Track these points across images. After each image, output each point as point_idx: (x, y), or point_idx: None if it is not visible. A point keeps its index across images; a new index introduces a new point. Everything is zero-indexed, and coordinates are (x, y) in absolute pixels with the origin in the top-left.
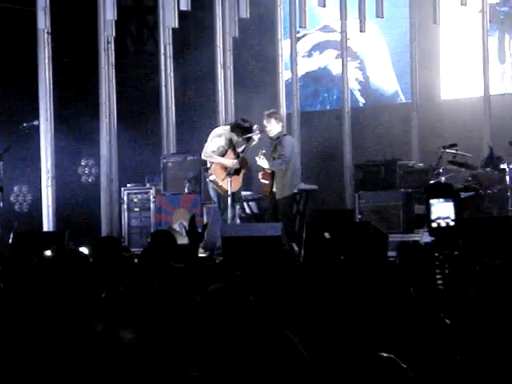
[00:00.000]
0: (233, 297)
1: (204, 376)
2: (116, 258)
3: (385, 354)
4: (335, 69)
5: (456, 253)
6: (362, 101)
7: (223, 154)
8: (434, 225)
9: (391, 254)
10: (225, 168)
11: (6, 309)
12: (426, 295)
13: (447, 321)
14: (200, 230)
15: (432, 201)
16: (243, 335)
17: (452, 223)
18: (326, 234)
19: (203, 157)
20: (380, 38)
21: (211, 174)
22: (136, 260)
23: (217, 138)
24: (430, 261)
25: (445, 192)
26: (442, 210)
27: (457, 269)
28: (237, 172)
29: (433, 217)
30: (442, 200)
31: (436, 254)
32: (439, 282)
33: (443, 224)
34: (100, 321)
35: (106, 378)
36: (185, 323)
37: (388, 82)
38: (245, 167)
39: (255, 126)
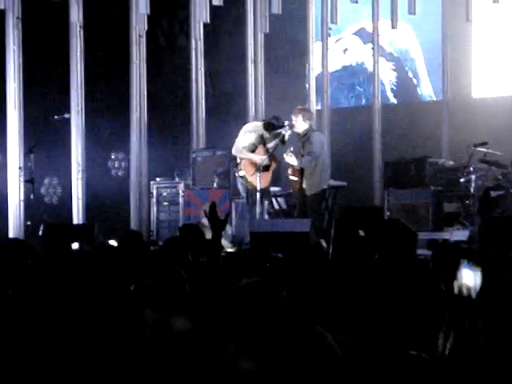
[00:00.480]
0: (266, 291)
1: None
2: (141, 252)
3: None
4: (366, 65)
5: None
6: (392, 98)
7: (253, 150)
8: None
9: (420, 251)
10: (254, 164)
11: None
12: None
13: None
14: (222, 218)
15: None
16: (277, 330)
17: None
18: (361, 232)
19: (234, 152)
20: (412, 34)
21: (240, 170)
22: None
23: (248, 134)
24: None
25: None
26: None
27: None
28: (266, 168)
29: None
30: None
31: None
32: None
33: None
34: (149, 308)
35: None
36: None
37: (419, 80)
38: (274, 164)
39: (286, 123)
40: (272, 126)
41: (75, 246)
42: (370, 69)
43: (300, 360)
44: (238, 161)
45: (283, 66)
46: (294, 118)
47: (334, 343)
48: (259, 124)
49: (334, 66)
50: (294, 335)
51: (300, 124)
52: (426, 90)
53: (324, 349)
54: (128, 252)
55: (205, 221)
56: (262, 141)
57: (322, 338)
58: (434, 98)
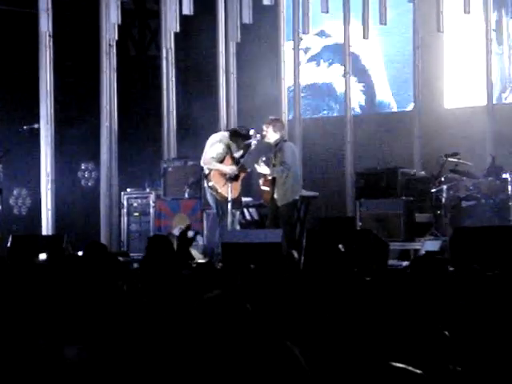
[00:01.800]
0: (229, 305)
1: None
2: (106, 263)
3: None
4: (336, 76)
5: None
6: (363, 108)
7: (221, 161)
8: None
9: (392, 262)
10: (224, 175)
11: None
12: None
13: (446, 332)
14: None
15: None
16: (241, 345)
17: None
18: (341, 246)
19: (202, 164)
20: (383, 44)
21: (210, 181)
22: (135, 265)
23: (216, 145)
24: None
25: None
26: None
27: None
28: (235, 178)
29: None
30: None
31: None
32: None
33: None
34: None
35: None
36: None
37: (390, 90)
38: (243, 173)
39: (252, 131)
40: (238, 134)
41: (43, 256)
42: (342, 80)
43: (265, 374)
44: (207, 172)
45: (255, 75)
46: (264, 128)
47: (300, 357)
48: (225, 134)
49: (304, 75)
50: (259, 349)
51: (271, 134)
52: (398, 101)
53: (290, 362)
54: (93, 263)
55: (175, 231)
56: (229, 151)
57: (288, 352)
58: (406, 109)
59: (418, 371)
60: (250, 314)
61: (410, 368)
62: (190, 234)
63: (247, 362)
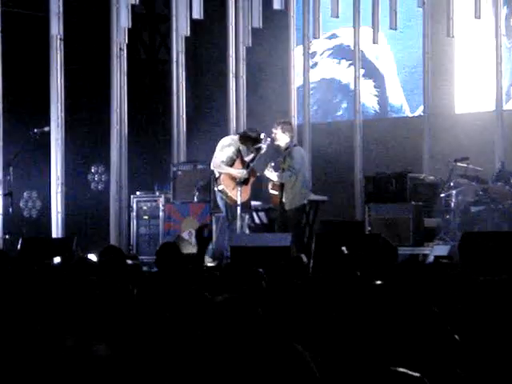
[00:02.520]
0: (241, 308)
1: None
2: (120, 267)
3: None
4: (347, 80)
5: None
6: (373, 113)
7: (231, 164)
8: None
9: None
10: (234, 178)
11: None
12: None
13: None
14: (206, 235)
15: None
16: (251, 348)
17: None
18: (344, 249)
19: (212, 167)
20: (393, 49)
21: (220, 184)
22: (144, 268)
23: (226, 148)
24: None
25: None
26: None
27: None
28: (245, 182)
29: None
30: None
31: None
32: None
33: None
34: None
35: None
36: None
37: (401, 95)
38: (253, 177)
39: (262, 135)
40: (248, 137)
41: (57, 259)
42: (352, 84)
43: (275, 378)
44: (217, 175)
45: (264, 79)
46: (274, 131)
47: (311, 361)
48: (235, 137)
49: (315, 80)
50: (269, 353)
51: (280, 137)
52: (408, 105)
53: (301, 366)
54: (108, 267)
55: (185, 235)
56: (240, 154)
57: (299, 356)
58: (415, 114)
59: (417, 374)
60: (261, 318)
61: (410, 372)
62: (205, 233)
63: (257, 365)
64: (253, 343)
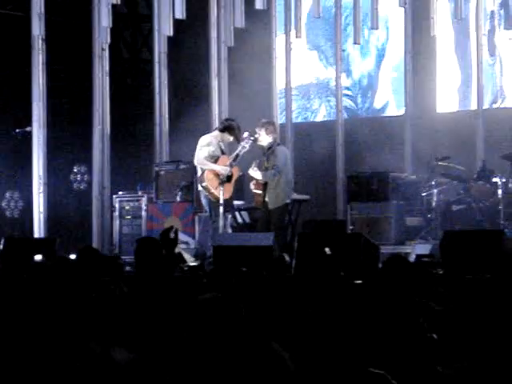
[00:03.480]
0: (224, 307)
1: None
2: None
3: (375, 370)
4: (328, 79)
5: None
6: (355, 112)
7: (215, 161)
8: None
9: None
10: (217, 175)
11: None
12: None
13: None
14: (172, 236)
15: None
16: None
17: None
18: (327, 250)
19: (196, 163)
20: (374, 49)
21: (203, 182)
22: (127, 268)
23: (205, 148)
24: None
25: None
26: None
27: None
28: (228, 179)
29: None
30: None
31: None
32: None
33: None
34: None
35: None
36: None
37: (382, 94)
38: (236, 174)
39: (246, 134)
40: (226, 126)
41: (38, 257)
42: (333, 83)
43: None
44: (200, 172)
45: (247, 79)
46: (257, 131)
47: (289, 361)
48: (214, 134)
49: (296, 80)
50: (249, 352)
51: (264, 137)
52: (389, 104)
53: (278, 365)
54: (85, 266)
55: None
56: (221, 150)
57: (277, 356)
58: (397, 113)
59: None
60: (243, 318)
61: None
62: (172, 234)
63: (235, 364)
64: (233, 342)
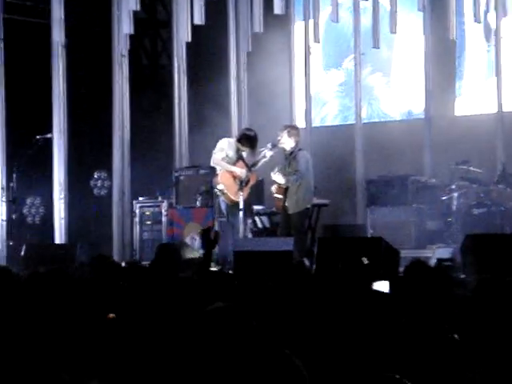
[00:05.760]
0: (233, 318)
1: None
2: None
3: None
4: (348, 83)
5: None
6: (374, 116)
7: (233, 165)
8: None
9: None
10: (233, 177)
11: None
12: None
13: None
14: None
15: None
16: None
17: None
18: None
19: (212, 164)
20: (393, 53)
21: (219, 183)
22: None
23: (223, 150)
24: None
25: None
26: None
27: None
28: (245, 184)
29: None
30: None
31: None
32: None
33: None
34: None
35: None
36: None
37: (402, 97)
38: (253, 180)
39: (269, 144)
40: (245, 136)
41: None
42: (352, 87)
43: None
44: (218, 172)
45: (266, 85)
46: (280, 134)
47: (302, 368)
48: (232, 140)
49: (316, 85)
50: (261, 361)
51: (286, 140)
52: (409, 108)
53: (292, 374)
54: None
55: (187, 240)
56: (240, 155)
57: (291, 364)
58: (416, 116)
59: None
60: (253, 329)
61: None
62: (212, 235)
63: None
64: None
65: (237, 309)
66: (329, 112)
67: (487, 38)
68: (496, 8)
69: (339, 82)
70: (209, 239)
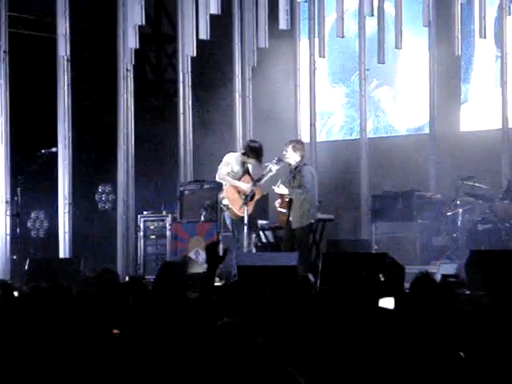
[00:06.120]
0: (239, 332)
1: None
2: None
3: None
4: (352, 98)
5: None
6: (379, 131)
7: (238, 179)
8: None
9: (408, 285)
10: (238, 192)
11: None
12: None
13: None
14: (221, 254)
15: None
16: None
17: None
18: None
19: (217, 179)
20: (398, 68)
21: (224, 198)
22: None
23: (228, 165)
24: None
25: None
26: None
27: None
28: (250, 198)
29: None
30: None
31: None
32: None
33: None
34: None
35: None
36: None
37: (408, 111)
38: (258, 195)
39: (274, 159)
40: (251, 149)
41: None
42: (357, 102)
43: None
44: (224, 187)
45: (271, 99)
46: (285, 149)
47: None
48: (237, 155)
49: (321, 98)
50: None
51: (291, 155)
52: (413, 124)
53: None
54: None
55: (192, 255)
56: (246, 169)
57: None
58: (422, 132)
59: None
60: (260, 345)
61: None
62: (218, 250)
63: None
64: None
65: (244, 325)
66: (334, 126)
67: (493, 54)
68: (502, 23)
69: (345, 96)
70: (216, 254)
